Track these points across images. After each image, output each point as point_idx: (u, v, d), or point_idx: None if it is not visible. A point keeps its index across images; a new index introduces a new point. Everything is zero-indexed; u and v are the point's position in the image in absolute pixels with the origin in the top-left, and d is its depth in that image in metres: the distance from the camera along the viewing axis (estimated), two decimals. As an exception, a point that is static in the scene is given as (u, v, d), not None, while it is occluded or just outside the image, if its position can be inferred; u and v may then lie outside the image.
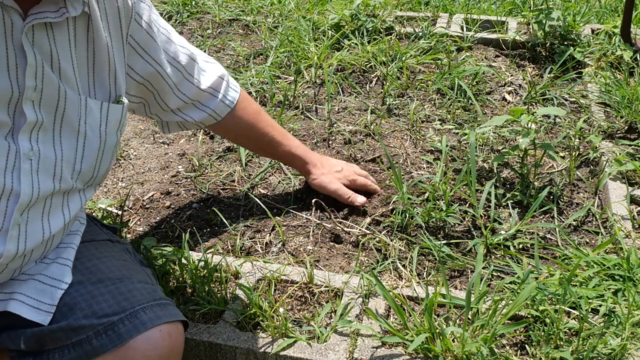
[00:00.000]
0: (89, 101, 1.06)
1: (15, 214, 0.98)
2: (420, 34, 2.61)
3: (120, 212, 1.67)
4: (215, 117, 1.48)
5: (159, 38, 1.26)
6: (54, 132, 1.02)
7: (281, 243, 1.56)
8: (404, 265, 1.46)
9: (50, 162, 1.02)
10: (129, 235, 1.60)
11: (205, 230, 1.62)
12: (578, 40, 2.54)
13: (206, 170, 1.87)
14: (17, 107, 0.97)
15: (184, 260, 1.39)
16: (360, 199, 1.66)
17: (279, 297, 1.37)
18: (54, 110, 1.01)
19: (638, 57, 2.34)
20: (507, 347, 1.27)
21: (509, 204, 1.68)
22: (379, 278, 1.33)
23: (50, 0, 0.97)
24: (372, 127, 2.05)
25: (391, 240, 1.54)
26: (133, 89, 1.28)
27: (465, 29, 2.70)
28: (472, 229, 1.60)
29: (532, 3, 2.87)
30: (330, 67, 2.37)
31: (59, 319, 1.02)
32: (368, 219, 1.61)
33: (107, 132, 1.10)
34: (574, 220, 1.64)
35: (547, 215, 1.67)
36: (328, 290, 1.38)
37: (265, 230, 1.61)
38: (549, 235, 1.59)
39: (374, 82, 2.35)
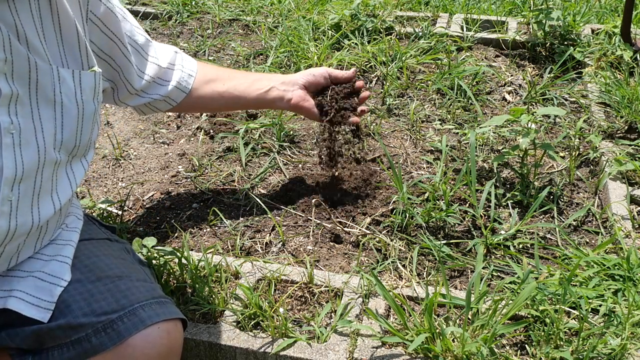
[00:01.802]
0: (61, 70, 1.06)
1: (4, 189, 0.98)
2: (420, 34, 2.61)
3: (120, 212, 1.67)
4: (182, 90, 1.47)
5: (118, 15, 1.26)
6: (31, 104, 1.01)
7: (281, 243, 1.56)
8: (404, 265, 1.46)
9: (31, 135, 1.01)
10: (128, 235, 1.60)
11: (205, 230, 1.62)
12: (578, 40, 2.54)
13: (206, 170, 1.87)
14: None
15: (184, 260, 1.39)
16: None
17: (279, 297, 1.37)
18: (27, 81, 1.00)
19: (638, 57, 2.34)
20: (507, 347, 1.27)
21: (509, 204, 1.68)
22: (379, 278, 1.33)
23: None
24: (372, 127, 2.05)
25: (391, 240, 1.54)
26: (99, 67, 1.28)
27: (465, 29, 2.70)
28: (472, 229, 1.60)
29: (532, 3, 2.87)
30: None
31: (58, 317, 1.02)
32: (368, 219, 1.61)
33: (84, 100, 1.10)
34: (574, 220, 1.64)
35: (547, 215, 1.67)
36: (328, 290, 1.38)
37: (265, 230, 1.61)
38: (549, 235, 1.59)
39: (374, 82, 2.35)
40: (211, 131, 2.06)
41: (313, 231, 1.59)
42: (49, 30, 1.05)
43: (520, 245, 1.55)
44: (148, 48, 1.39)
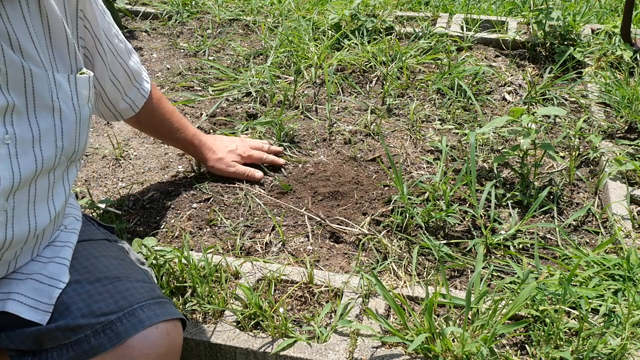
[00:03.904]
0: (57, 75, 1.04)
1: (0, 200, 0.97)
2: (420, 34, 2.61)
3: (120, 212, 1.67)
4: (133, 109, 1.47)
5: (99, 14, 1.23)
6: (28, 113, 1.00)
7: (281, 243, 1.56)
8: (404, 265, 1.46)
9: (28, 144, 1.00)
10: (128, 235, 1.60)
11: (205, 230, 1.62)
12: (578, 40, 2.54)
13: (206, 170, 1.87)
14: None
15: (184, 260, 1.39)
16: (257, 174, 1.75)
17: (279, 297, 1.37)
18: (23, 90, 0.99)
19: (638, 57, 2.34)
20: (507, 347, 1.27)
21: (509, 204, 1.68)
22: (379, 278, 1.33)
23: None
24: (372, 127, 2.05)
25: (391, 241, 1.54)
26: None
27: (465, 29, 2.70)
28: (472, 229, 1.60)
29: (532, 3, 2.87)
30: (330, 67, 2.37)
31: (57, 319, 1.02)
32: (368, 219, 1.61)
33: (80, 104, 1.09)
34: (574, 220, 1.64)
35: (547, 215, 1.67)
36: (328, 290, 1.38)
37: (265, 230, 1.61)
38: (549, 235, 1.59)
39: (374, 82, 2.35)
40: (211, 131, 2.06)
41: (313, 231, 1.59)
42: (40, 35, 1.03)
43: (520, 245, 1.55)
44: (122, 51, 1.35)
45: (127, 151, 2.01)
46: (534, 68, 2.45)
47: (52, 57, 1.06)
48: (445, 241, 1.55)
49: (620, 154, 1.82)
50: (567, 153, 1.92)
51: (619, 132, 1.99)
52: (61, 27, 1.07)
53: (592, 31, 2.66)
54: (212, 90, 2.31)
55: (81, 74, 1.11)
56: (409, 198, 1.62)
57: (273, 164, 1.82)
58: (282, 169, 1.85)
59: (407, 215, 1.58)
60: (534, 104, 2.19)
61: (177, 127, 1.66)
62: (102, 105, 1.42)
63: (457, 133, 2.01)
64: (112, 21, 1.32)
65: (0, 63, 0.95)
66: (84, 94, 1.10)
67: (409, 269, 1.45)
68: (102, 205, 1.68)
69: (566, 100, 2.22)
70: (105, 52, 1.27)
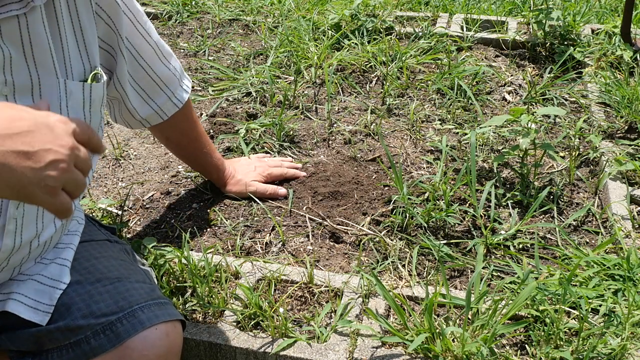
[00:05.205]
0: (69, 83, 1.03)
1: (11, 209, 0.97)
2: (420, 34, 2.61)
3: (120, 212, 1.67)
4: (161, 116, 1.43)
5: (123, 10, 1.20)
6: None
7: (281, 243, 1.56)
8: (403, 265, 1.46)
9: None
10: (129, 235, 1.60)
11: (205, 230, 1.62)
12: (578, 40, 2.54)
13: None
14: None
15: (184, 260, 1.39)
16: (281, 191, 1.72)
17: (279, 297, 1.37)
18: (30, 99, 0.98)
19: (638, 57, 2.34)
20: (507, 347, 1.27)
21: (509, 204, 1.68)
22: (379, 278, 1.33)
23: None
24: (372, 127, 2.05)
25: (391, 240, 1.54)
26: (102, 59, 1.22)
27: (465, 29, 2.70)
28: (472, 229, 1.60)
29: (532, 3, 2.87)
30: (330, 67, 2.37)
31: (57, 320, 1.02)
32: (368, 219, 1.61)
33: (92, 112, 1.08)
34: (574, 220, 1.64)
35: (547, 215, 1.67)
36: (328, 290, 1.38)
37: (265, 230, 1.61)
38: (549, 235, 1.59)
39: (374, 82, 2.35)
40: (211, 131, 2.06)
41: (313, 231, 1.59)
42: (56, 40, 1.02)
43: (520, 245, 1.55)
44: (147, 53, 1.32)
45: (127, 151, 2.01)
46: (534, 68, 2.45)
47: (67, 59, 1.05)
48: (445, 241, 1.55)
49: (620, 154, 1.82)
50: (567, 153, 1.92)
51: (619, 132, 1.99)
52: (77, 24, 1.06)
53: (592, 31, 2.66)
54: (212, 90, 2.31)
55: (94, 74, 1.09)
56: (409, 198, 1.62)
57: (294, 177, 1.78)
58: None
59: (407, 215, 1.58)
60: (534, 104, 2.19)
61: (206, 152, 1.62)
62: (125, 112, 1.38)
63: (457, 133, 2.01)
64: (143, 21, 1.28)
65: (7, 74, 0.94)
66: (97, 101, 1.09)
67: (409, 269, 1.45)
68: (103, 206, 1.68)
69: (566, 100, 2.22)
70: (124, 50, 1.24)
